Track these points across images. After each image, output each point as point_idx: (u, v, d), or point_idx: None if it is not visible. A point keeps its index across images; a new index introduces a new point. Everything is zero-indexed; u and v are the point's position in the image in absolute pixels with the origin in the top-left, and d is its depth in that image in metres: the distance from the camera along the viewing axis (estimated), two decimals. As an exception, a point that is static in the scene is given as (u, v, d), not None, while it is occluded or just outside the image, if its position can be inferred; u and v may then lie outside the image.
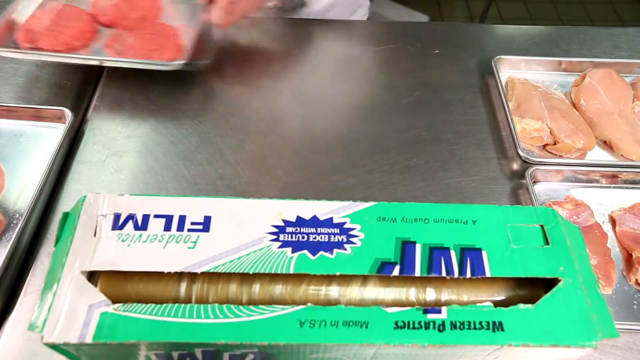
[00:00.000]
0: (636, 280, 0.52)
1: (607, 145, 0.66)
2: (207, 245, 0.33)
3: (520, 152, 0.62)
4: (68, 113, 0.62)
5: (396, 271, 0.33)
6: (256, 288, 0.33)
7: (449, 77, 0.74)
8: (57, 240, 0.33)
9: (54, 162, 0.57)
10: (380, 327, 0.30)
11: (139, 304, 0.30)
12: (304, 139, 0.66)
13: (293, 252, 0.33)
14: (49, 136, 0.62)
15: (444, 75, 0.74)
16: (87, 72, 0.70)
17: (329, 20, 0.85)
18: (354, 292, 0.34)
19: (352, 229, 0.34)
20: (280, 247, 0.33)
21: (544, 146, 0.66)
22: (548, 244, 0.34)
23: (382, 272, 0.33)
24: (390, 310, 0.31)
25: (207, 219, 0.34)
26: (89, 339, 0.29)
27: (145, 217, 0.34)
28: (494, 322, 0.31)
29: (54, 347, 0.30)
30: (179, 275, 0.33)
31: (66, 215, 0.34)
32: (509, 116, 0.65)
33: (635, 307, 0.51)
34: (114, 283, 0.33)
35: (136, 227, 0.33)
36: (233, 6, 0.67)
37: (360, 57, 0.78)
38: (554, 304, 0.32)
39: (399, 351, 0.31)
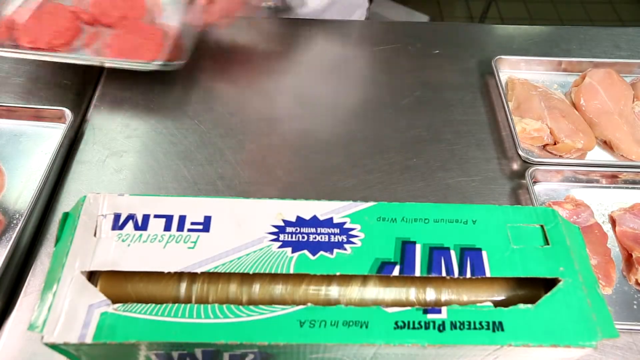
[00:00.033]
0: (636, 280, 0.52)
1: (607, 145, 0.66)
2: (207, 245, 0.33)
3: (520, 152, 0.62)
4: (68, 113, 0.62)
5: (396, 271, 0.33)
6: (256, 288, 0.33)
7: (449, 77, 0.74)
8: (57, 240, 0.33)
9: (54, 162, 0.57)
10: (380, 327, 0.30)
11: (139, 304, 0.30)
12: (304, 139, 0.66)
13: (293, 252, 0.33)
14: (49, 136, 0.62)
15: (444, 75, 0.74)
16: (87, 72, 0.70)
17: (329, 21, 0.85)
18: (354, 292, 0.34)
19: (352, 229, 0.34)
20: (280, 247, 0.33)
21: (544, 146, 0.66)
22: (548, 244, 0.34)
23: (382, 272, 0.33)
24: (390, 310, 0.31)
25: (207, 219, 0.34)
26: (89, 339, 0.29)
27: (145, 217, 0.34)
28: (494, 322, 0.31)
29: (54, 347, 0.30)
30: (179, 275, 0.33)
31: (66, 215, 0.34)
32: (509, 116, 0.65)
33: (635, 307, 0.51)
34: (114, 283, 0.33)
35: (136, 227, 0.33)
36: (212, 7, 0.67)
37: (360, 57, 0.78)
38: (554, 304, 0.32)
39: (399, 351, 0.31)
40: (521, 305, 0.32)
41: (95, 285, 0.32)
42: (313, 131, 0.67)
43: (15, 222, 0.54)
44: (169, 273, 0.32)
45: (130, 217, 0.34)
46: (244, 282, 0.33)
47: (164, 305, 0.30)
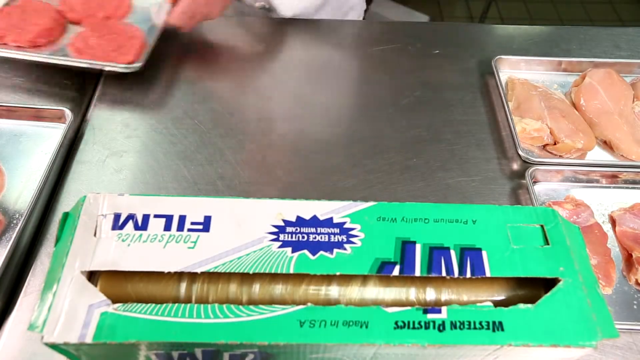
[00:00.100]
0: (636, 280, 0.52)
1: (607, 145, 0.66)
2: (207, 245, 0.33)
3: (520, 152, 0.62)
4: (68, 113, 0.62)
5: (396, 271, 0.33)
6: (256, 288, 0.33)
7: (449, 77, 0.74)
8: (57, 240, 0.33)
9: (54, 162, 0.57)
10: (380, 327, 0.30)
11: (139, 304, 0.30)
12: (304, 139, 0.66)
13: (293, 252, 0.33)
14: (49, 136, 0.62)
15: (444, 75, 0.74)
16: (87, 72, 0.70)
17: (329, 21, 0.85)
18: (354, 292, 0.34)
19: (352, 229, 0.34)
20: (280, 247, 0.33)
21: (544, 146, 0.66)
22: (548, 244, 0.34)
23: (382, 272, 0.33)
24: (390, 310, 0.31)
25: (207, 219, 0.34)
26: (89, 339, 0.29)
27: (145, 217, 0.34)
28: (494, 322, 0.31)
29: (54, 347, 0.30)
30: (179, 275, 0.33)
31: (66, 215, 0.34)
32: (509, 116, 0.65)
33: (635, 307, 0.51)
34: (114, 283, 0.33)
35: (136, 227, 0.33)
36: (194, 8, 0.67)
37: (360, 57, 0.78)
38: (554, 304, 0.32)
39: (399, 351, 0.31)
40: (521, 305, 0.32)
41: (95, 285, 0.32)
42: (313, 131, 0.67)
43: (15, 222, 0.54)
44: (169, 273, 0.32)
45: (130, 217, 0.34)
46: (244, 282, 0.33)
47: (164, 305, 0.30)
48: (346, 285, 0.34)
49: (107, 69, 0.65)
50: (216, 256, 0.32)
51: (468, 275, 0.33)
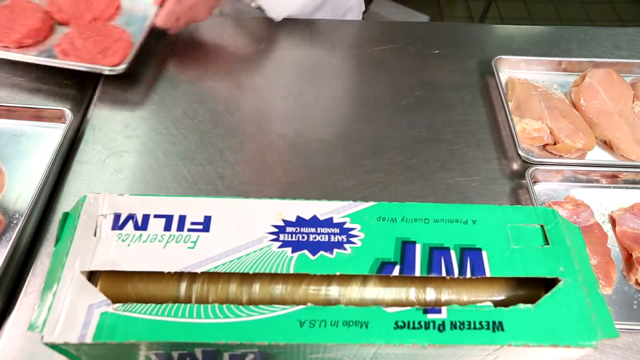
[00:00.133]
0: (636, 280, 0.52)
1: (607, 145, 0.66)
2: (207, 245, 0.33)
3: (520, 152, 0.62)
4: (68, 113, 0.62)
5: (396, 271, 0.33)
6: (256, 288, 0.33)
7: (449, 77, 0.74)
8: (57, 240, 0.33)
9: (54, 162, 0.57)
10: (380, 327, 0.30)
11: (139, 304, 0.30)
12: (304, 139, 0.66)
13: (293, 252, 0.33)
14: (49, 136, 0.62)
15: (444, 75, 0.74)
16: (87, 72, 0.70)
17: (329, 21, 0.85)
18: (354, 292, 0.34)
19: (352, 229, 0.34)
20: (280, 247, 0.33)
21: (544, 146, 0.66)
22: (548, 244, 0.34)
23: (382, 272, 0.33)
24: (390, 310, 0.31)
25: (207, 219, 0.34)
26: (89, 339, 0.29)
27: (145, 217, 0.34)
28: (494, 322, 0.31)
29: (54, 347, 0.30)
30: (179, 275, 0.33)
31: (66, 215, 0.34)
32: (509, 116, 0.65)
33: (635, 307, 0.51)
34: (114, 283, 0.33)
35: (136, 227, 0.33)
36: (179, 11, 0.68)
37: (360, 57, 0.78)
38: (554, 304, 0.32)
39: (399, 351, 0.31)
40: (521, 305, 0.32)
41: (95, 285, 0.32)
42: (313, 131, 0.67)
43: (15, 222, 0.54)
44: (169, 273, 0.32)
45: (130, 217, 0.34)
46: (244, 282, 0.33)
47: (164, 305, 0.30)
48: (346, 285, 0.34)
49: (91, 71, 0.66)
50: (216, 256, 0.32)
51: (468, 275, 0.33)
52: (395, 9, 1.87)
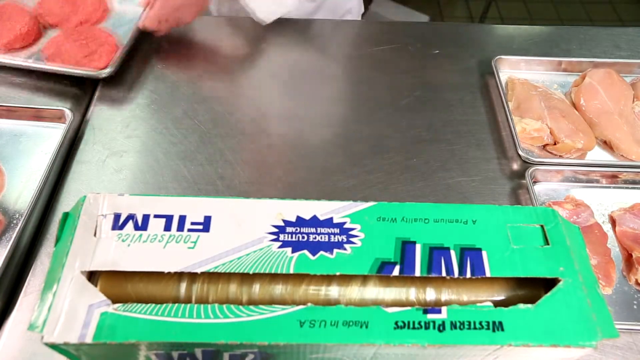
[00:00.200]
0: (636, 280, 0.52)
1: (607, 145, 0.66)
2: (207, 245, 0.33)
3: (520, 152, 0.62)
4: (68, 113, 0.62)
5: (396, 271, 0.33)
6: (256, 288, 0.33)
7: (449, 77, 0.74)
8: (57, 240, 0.33)
9: (54, 162, 0.57)
10: (380, 327, 0.30)
11: (139, 304, 0.30)
12: (304, 138, 0.66)
13: (293, 252, 0.33)
14: (49, 136, 0.62)
15: (444, 75, 0.74)
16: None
17: (329, 21, 0.85)
18: (354, 292, 0.34)
19: (352, 229, 0.34)
20: (280, 247, 0.33)
21: (544, 146, 0.66)
22: (548, 244, 0.34)
23: (382, 272, 0.33)
24: (390, 310, 0.31)
25: (207, 219, 0.34)
26: (89, 339, 0.29)
27: (145, 217, 0.34)
28: (494, 322, 0.31)
29: (54, 347, 0.30)
30: (179, 275, 0.33)
31: (66, 215, 0.34)
32: (509, 116, 0.65)
33: (635, 307, 0.51)
34: (114, 283, 0.33)
35: (136, 227, 0.33)
36: (166, 13, 0.68)
37: (360, 57, 0.78)
38: (554, 304, 0.32)
39: (399, 351, 0.31)
40: (521, 305, 0.32)
41: (95, 285, 0.32)
42: (313, 131, 0.67)
43: (15, 222, 0.54)
44: (169, 273, 0.32)
45: (130, 217, 0.34)
46: (244, 282, 0.33)
47: (164, 305, 0.30)
48: (346, 285, 0.34)
49: (76, 74, 0.66)
50: (216, 256, 0.32)
51: (468, 275, 0.33)
52: (395, 9, 1.87)
